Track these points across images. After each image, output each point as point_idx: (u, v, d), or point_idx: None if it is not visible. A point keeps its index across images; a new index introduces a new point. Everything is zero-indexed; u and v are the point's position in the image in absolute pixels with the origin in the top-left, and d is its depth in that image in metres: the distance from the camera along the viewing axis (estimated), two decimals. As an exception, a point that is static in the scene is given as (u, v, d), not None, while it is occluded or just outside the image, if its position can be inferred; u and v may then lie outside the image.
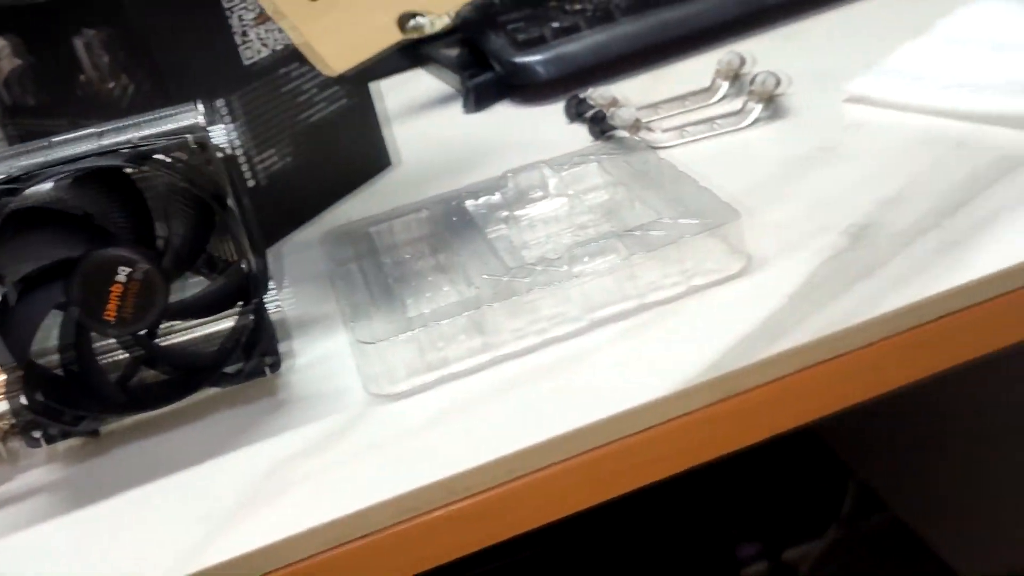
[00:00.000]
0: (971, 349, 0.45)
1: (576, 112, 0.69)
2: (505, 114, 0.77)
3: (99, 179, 0.44)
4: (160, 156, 0.43)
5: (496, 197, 0.56)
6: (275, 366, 0.46)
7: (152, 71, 0.55)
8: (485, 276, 0.47)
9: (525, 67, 0.75)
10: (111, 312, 0.42)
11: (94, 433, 0.47)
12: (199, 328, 0.48)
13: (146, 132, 0.44)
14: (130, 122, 0.45)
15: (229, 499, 0.41)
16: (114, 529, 0.41)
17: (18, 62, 0.61)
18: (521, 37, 0.76)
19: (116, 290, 0.42)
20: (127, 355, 0.46)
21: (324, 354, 0.50)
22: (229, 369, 0.46)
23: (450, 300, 0.48)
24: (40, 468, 0.46)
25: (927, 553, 1.06)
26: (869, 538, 1.12)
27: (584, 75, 0.75)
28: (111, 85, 0.56)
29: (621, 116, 0.62)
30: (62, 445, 0.46)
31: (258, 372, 0.46)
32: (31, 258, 0.43)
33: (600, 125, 0.64)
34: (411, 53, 0.93)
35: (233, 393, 0.48)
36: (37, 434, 0.44)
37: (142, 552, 0.40)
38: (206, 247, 0.45)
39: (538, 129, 0.73)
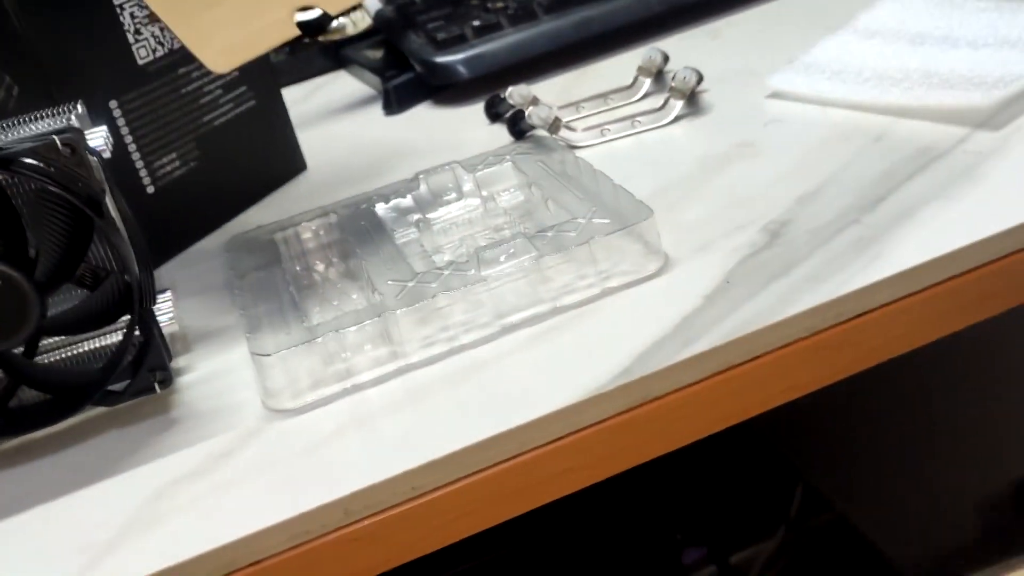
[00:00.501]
0: (892, 346, 0.44)
1: (495, 112, 0.67)
2: (425, 115, 0.75)
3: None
4: (28, 159, 0.40)
5: (407, 200, 0.54)
6: (165, 382, 0.43)
7: (35, 71, 0.52)
8: (390, 282, 0.44)
9: (445, 67, 0.73)
10: None
11: None
12: (85, 343, 0.45)
13: (18, 135, 0.41)
14: (2, 126, 0.43)
15: (112, 526, 0.38)
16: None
17: None
18: (441, 36, 0.74)
19: None
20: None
21: (222, 368, 0.47)
22: (117, 387, 0.43)
23: (357, 308, 0.46)
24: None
25: (869, 547, 1.06)
26: (817, 538, 1.11)
27: (506, 74, 0.73)
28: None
29: (539, 115, 0.60)
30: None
31: (147, 389, 0.43)
32: None
33: (518, 125, 0.62)
34: (333, 55, 0.90)
35: (123, 412, 0.45)
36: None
37: (13, 587, 0.37)
38: (84, 258, 0.42)
39: (458, 130, 0.70)
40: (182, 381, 0.46)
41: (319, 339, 0.42)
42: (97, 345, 0.45)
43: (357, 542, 0.38)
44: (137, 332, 0.42)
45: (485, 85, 0.73)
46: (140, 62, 0.55)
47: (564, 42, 0.74)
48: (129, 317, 0.43)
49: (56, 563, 0.37)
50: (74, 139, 0.40)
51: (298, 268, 0.51)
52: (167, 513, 0.38)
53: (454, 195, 0.54)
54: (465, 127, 0.71)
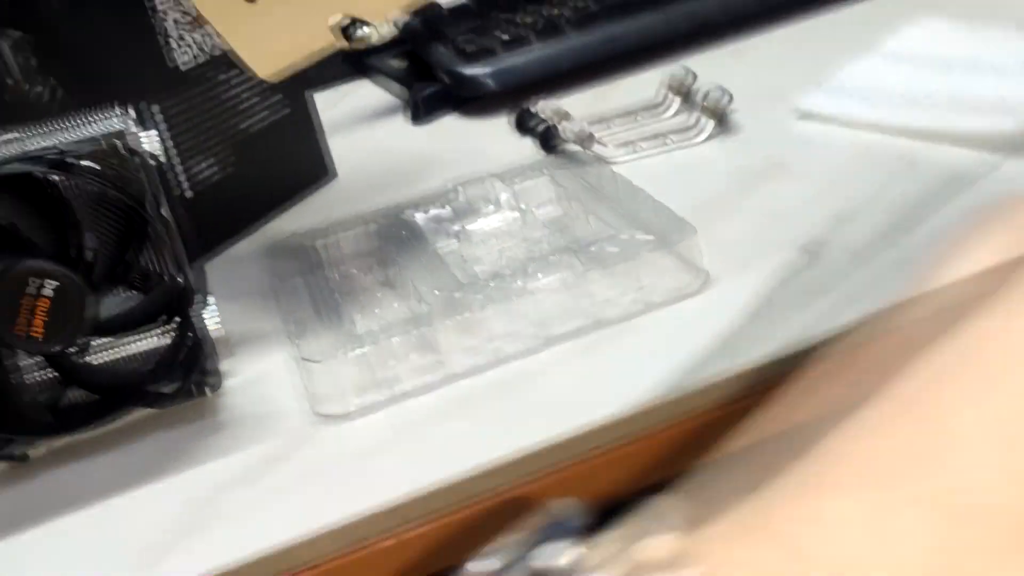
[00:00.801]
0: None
1: (525, 125, 0.68)
2: (450, 126, 0.76)
3: (19, 186, 0.41)
4: (87, 162, 0.40)
5: (445, 210, 0.54)
6: (214, 386, 0.44)
7: (78, 74, 0.52)
8: (436, 292, 0.45)
9: (472, 79, 0.74)
10: (21, 327, 0.39)
11: (23, 458, 0.43)
12: (133, 345, 0.46)
13: (71, 137, 0.42)
14: (53, 127, 0.43)
15: (163, 528, 0.39)
16: (34, 564, 0.39)
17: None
18: (469, 48, 0.75)
19: (27, 304, 0.39)
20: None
21: (264, 373, 0.47)
22: (165, 389, 0.43)
23: (400, 316, 0.46)
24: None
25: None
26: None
27: (531, 88, 0.74)
28: (36, 89, 0.54)
29: (572, 130, 0.61)
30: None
31: (195, 392, 0.44)
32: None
33: (550, 139, 0.63)
34: (355, 63, 0.91)
35: (169, 414, 0.45)
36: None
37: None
38: (138, 259, 0.43)
39: (484, 142, 0.71)
40: (225, 385, 0.47)
41: (368, 347, 0.43)
42: (141, 348, 0.46)
43: (409, 549, 0.38)
44: (189, 334, 0.43)
45: (508, 98, 0.74)
46: (182, 68, 0.56)
47: (590, 58, 0.75)
48: (179, 319, 0.43)
49: (111, 564, 0.37)
50: (131, 142, 0.41)
51: (338, 275, 0.52)
52: (220, 516, 0.39)
53: (491, 207, 0.55)
54: (491, 139, 0.71)
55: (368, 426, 0.42)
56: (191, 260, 0.43)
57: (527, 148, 0.66)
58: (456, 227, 0.53)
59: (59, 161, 0.40)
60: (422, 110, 0.76)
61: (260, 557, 0.37)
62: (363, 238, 0.54)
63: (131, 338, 0.44)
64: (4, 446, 0.41)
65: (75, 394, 0.44)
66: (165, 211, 0.42)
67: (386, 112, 0.82)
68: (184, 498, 0.40)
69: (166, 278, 0.42)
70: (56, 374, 0.43)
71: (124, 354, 0.45)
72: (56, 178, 0.40)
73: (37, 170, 0.40)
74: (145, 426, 0.45)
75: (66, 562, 0.38)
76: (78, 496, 0.41)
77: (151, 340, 0.45)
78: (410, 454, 0.40)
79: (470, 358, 0.44)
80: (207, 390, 0.44)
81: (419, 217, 0.54)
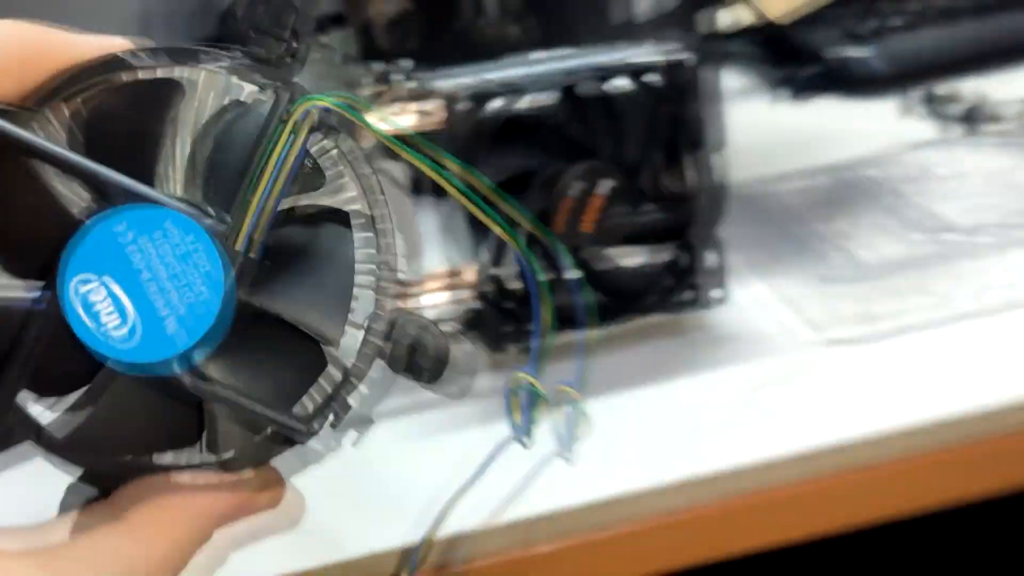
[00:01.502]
0: None
1: (937, 108, 0.68)
2: (828, 108, 0.77)
3: (581, 94, 0.44)
4: (654, 77, 0.43)
5: (899, 168, 0.55)
6: (723, 299, 0.46)
7: (542, 15, 0.56)
8: (947, 235, 0.46)
9: (861, 62, 0.75)
10: (587, 224, 0.42)
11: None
12: (632, 255, 0.48)
13: (629, 55, 0.45)
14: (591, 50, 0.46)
15: (704, 419, 0.41)
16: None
17: (400, 5, 0.63)
18: (852, 31, 0.76)
19: (595, 203, 0.42)
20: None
21: (751, 298, 0.49)
22: (676, 298, 0.46)
23: (897, 255, 0.47)
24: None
25: None
26: None
27: (920, 74, 0.74)
28: (496, 29, 0.58)
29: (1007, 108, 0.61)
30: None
31: (701, 303, 0.45)
32: (508, 164, 0.43)
33: (975, 117, 0.63)
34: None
35: (662, 325, 0.48)
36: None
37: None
38: (677, 174, 0.45)
39: (868, 123, 0.71)
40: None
41: (881, 278, 0.44)
42: (654, 260, 0.48)
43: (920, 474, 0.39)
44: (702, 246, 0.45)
45: (893, 83, 0.74)
46: (633, 20, 0.59)
47: (986, 47, 0.74)
48: (696, 237, 0.45)
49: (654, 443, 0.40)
50: (688, 60, 0.44)
51: (800, 219, 0.53)
52: (749, 417, 0.41)
53: (946, 169, 0.55)
54: (874, 120, 0.72)
55: (875, 355, 0.43)
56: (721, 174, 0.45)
57: (920, 130, 0.66)
58: (913, 186, 0.54)
59: (630, 71, 0.43)
60: (797, 91, 0.77)
61: (783, 459, 0.38)
62: (817, 187, 0.55)
63: (648, 248, 0.47)
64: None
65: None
66: (708, 134, 0.44)
67: (743, 93, 0.83)
68: (720, 397, 0.42)
69: (697, 197, 0.44)
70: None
71: (637, 262, 0.47)
72: (624, 86, 0.43)
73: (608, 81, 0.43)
74: (640, 334, 0.48)
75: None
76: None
77: (661, 254, 0.47)
78: (918, 385, 0.41)
79: (974, 301, 0.45)
80: (710, 304, 0.45)
81: (872, 172, 0.55)
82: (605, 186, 0.42)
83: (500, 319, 0.44)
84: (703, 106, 0.44)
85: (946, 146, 0.56)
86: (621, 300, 0.46)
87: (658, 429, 0.41)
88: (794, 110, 0.77)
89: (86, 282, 0.22)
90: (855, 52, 0.75)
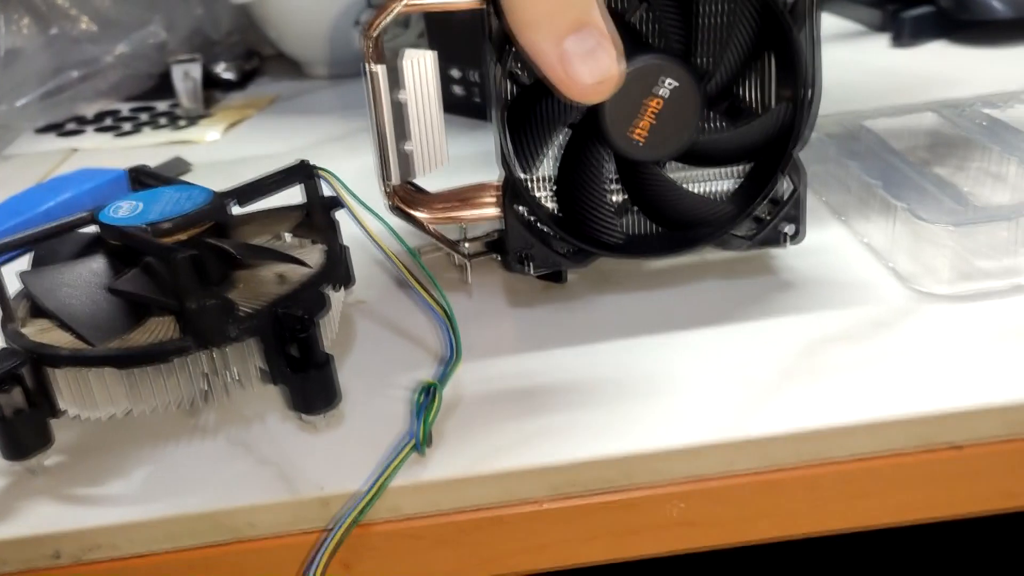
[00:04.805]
0: None
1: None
2: (944, 51, 0.68)
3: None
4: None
5: (1020, 109, 0.47)
6: (797, 236, 0.39)
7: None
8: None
9: (981, 3, 0.66)
10: (641, 131, 0.36)
11: (560, 277, 0.40)
12: (692, 178, 0.41)
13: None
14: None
15: (768, 368, 0.34)
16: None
17: None
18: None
19: (653, 105, 0.35)
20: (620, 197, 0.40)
21: (824, 241, 0.42)
22: (742, 232, 0.39)
23: (1008, 204, 0.40)
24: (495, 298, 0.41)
25: None
26: None
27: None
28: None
29: None
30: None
31: (775, 240, 0.39)
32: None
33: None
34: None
35: (726, 264, 0.41)
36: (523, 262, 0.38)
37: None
38: (758, 85, 0.38)
39: (989, 68, 0.63)
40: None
41: (990, 229, 0.36)
42: (719, 188, 0.41)
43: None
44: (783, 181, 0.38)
45: (1013, 27, 0.65)
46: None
47: None
48: (780, 164, 0.38)
49: (721, 393, 0.33)
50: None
51: (907, 158, 0.45)
52: (824, 369, 0.33)
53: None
54: (994, 65, 0.63)
55: (979, 313, 0.36)
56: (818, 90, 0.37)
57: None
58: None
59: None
60: (908, 32, 0.69)
61: (876, 422, 0.31)
62: (921, 126, 0.47)
63: (712, 171, 0.40)
64: (565, 256, 0.38)
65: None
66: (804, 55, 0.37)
67: (851, 36, 0.75)
68: (786, 345, 0.35)
69: (781, 107, 0.37)
70: (623, 193, 0.39)
71: (702, 188, 0.40)
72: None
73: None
74: (701, 270, 0.41)
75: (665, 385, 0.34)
76: (662, 322, 0.38)
77: (726, 182, 0.40)
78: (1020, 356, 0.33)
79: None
80: (787, 241, 0.39)
81: (991, 111, 0.46)
82: (666, 87, 0.35)
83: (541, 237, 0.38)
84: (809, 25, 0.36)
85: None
86: (674, 229, 0.39)
87: (705, 384, 0.34)
88: (902, 55, 0.69)
89: None
90: (976, -9, 0.66)
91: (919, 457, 0.31)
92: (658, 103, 0.35)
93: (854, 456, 0.31)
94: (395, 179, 0.37)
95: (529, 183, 0.38)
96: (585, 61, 0.30)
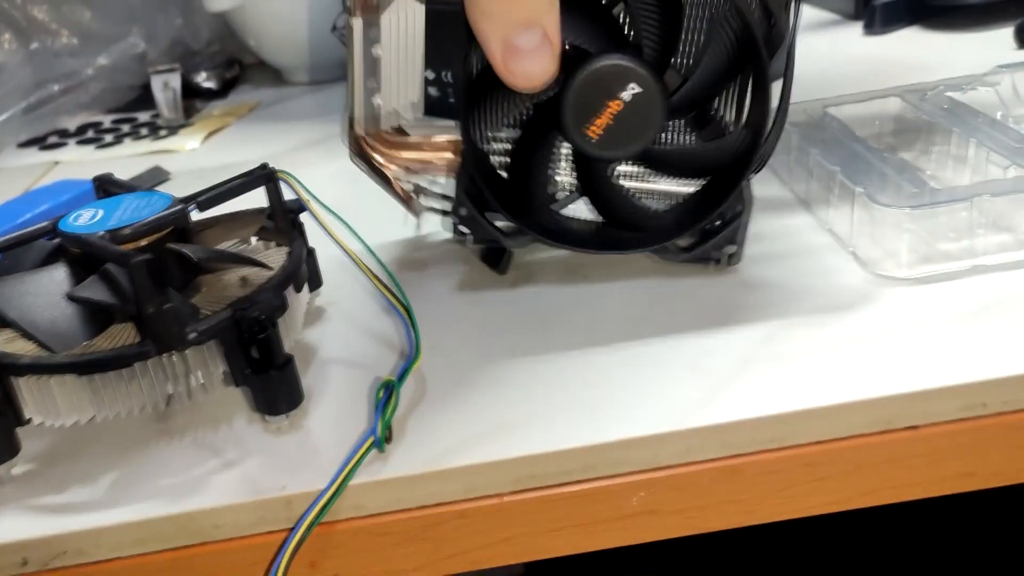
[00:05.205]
0: None
1: (1029, 35, 0.59)
2: (914, 37, 0.68)
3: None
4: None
5: (987, 92, 0.47)
6: (733, 258, 0.38)
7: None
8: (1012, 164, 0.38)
9: (954, -13, 0.66)
10: (596, 128, 0.35)
11: (498, 260, 0.41)
12: (659, 184, 0.41)
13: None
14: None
15: (728, 357, 0.34)
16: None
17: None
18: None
19: (613, 106, 0.35)
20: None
21: (784, 231, 0.42)
22: (683, 243, 0.39)
23: (964, 186, 0.40)
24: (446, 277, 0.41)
25: None
26: None
27: (1012, 4, 0.65)
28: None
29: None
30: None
31: (714, 259, 0.39)
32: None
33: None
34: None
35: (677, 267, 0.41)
36: (463, 230, 0.38)
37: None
38: (726, 99, 0.38)
39: (957, 54, 0.63)
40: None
41: (968, 201, 0.36)
42: (664, 188, 0.41)
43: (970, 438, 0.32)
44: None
45: (982, 12, 0.65)
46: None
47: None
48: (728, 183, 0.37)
49: (682, 384, 0.33)
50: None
51: (869, 145, 0.45)
52: (781, 357, 0.34)
53: (1043, 96, 0.47)
54: (964, 50, 0.63)
55: (939, 295, 0.36)
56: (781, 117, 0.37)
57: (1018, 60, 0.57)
58: (1001, 112, 0.46)
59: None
60: (879, 20, 0.69)
61: (839, 405, 0.31)
62: (886, 111, 0.47)
63: (666, 180, 0.40)
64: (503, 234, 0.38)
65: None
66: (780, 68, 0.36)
67: (824, 25, 0.75)
68: (742, 335, 0.35)
69: (742, 133, 0.37)
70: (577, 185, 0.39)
71: (660, 186, 0.41)
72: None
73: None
74: (646, 268, 0.41)
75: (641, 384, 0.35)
76: (634, 327, 0.38)
77: (677, 187, 0.40)
78: (990, 334, 0.33)
79: (1064, 241, 0.37)
80: (727, 260, 0.38)
81: (955, 95, 0.47)
82: (629, 91, 0.35)
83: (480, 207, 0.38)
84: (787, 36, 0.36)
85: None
86: (616, 226, 0.39)
87: (665, 374, 0.34)
88: (874, 42, 0.69)
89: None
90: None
91: (878, 439, 0.31)
92: (618, 105, 0.35)
93: (814, 440, 0.31)
94: (360, 129, 0.38)
95: (487, 145, 0.38)
96: (525, 57, 0.32)
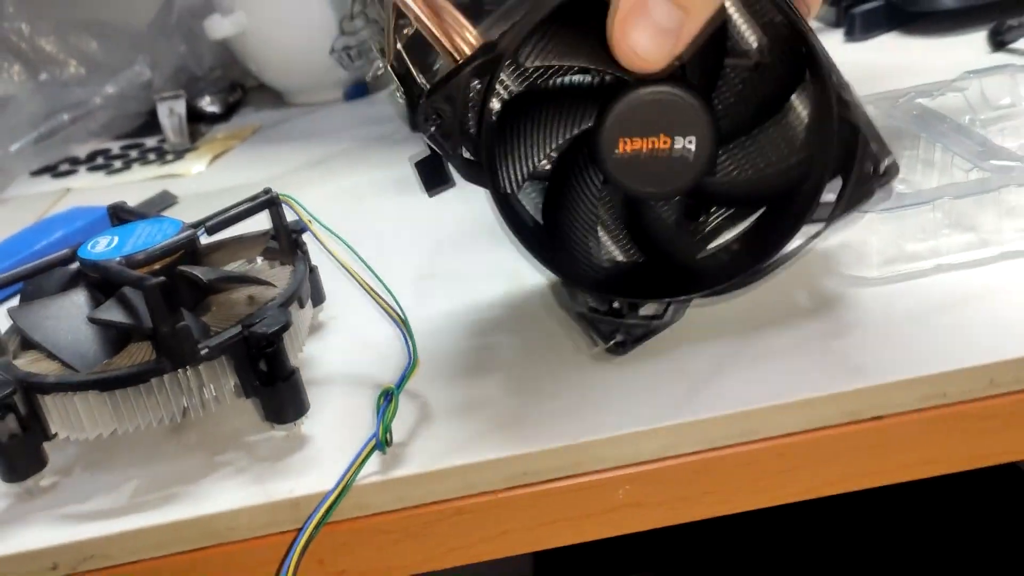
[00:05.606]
0: None
1: (1001, 40, 0.61)
2: (893, 44, 0.70)
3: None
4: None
5: (956, 98, 0.49)
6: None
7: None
8: (995, 161, 0.40)
9: (929, -6, 0.68)
10: (628, 147, 0.33)
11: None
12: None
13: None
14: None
15: (705, 358, 0.36)
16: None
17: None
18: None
19: (659, 142, 0.33)
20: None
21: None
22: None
23: (931, 188, 0.42)
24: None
25: None
26: None
27: (987, 9, 0.67)
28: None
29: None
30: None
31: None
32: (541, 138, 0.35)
33: (1048, 47, 0.56)
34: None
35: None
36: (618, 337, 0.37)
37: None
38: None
39: (943, 59, 0.65)
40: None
41: (931, 203, 0.39)
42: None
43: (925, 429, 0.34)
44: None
45: (963, 17, 0.68)
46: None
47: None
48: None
49: (661, 388, 0.35)
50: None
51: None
52: (758, 356, 0.36)
53: (1008, 99, 0.49)
54: (943, 54, 0.66)
55: (904, 294, 0.38)
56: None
57: (992, 63, 0.59)
58: (969, 116, 0.48)
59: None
60: (859, 27, 0.71)
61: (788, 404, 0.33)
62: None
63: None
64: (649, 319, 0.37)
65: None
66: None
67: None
68: (719, 339, 0.37)
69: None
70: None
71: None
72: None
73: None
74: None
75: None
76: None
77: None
78: (947, 330, 0.35)
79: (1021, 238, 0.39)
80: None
81: (925, 101, 0.49)
82: (687, 143, 0.33)
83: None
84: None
85: (1018, 74, 0.49)
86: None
87: (646, 376, 0.36)
88: (854, 49, 0.72)
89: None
90: (922, -16, 0.68)
91: (845, 430, 0.33)
92: (665, 144, 0.33)
93: (784, 432, 0.33)
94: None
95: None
96: (649, 29, 0.31)
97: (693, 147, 0.33)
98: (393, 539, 0.34)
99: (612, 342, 0.36)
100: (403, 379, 0.35)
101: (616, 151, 0.34)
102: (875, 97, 0.50)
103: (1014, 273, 0.38)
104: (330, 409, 0.37)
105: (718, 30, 0.34)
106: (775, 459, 0.33)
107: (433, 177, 0.37)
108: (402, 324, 0.37)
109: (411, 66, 0.38)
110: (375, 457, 0.33)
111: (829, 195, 0.36)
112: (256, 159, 0.75)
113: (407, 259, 0.48)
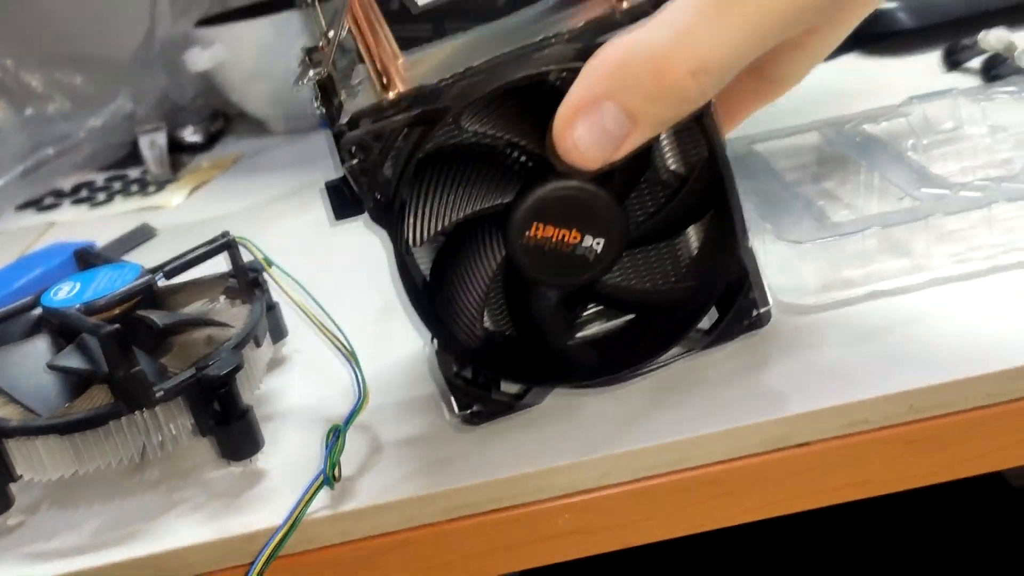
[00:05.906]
0: None
1: (956, 60, 0.63)
2: (853, 65, 0.72)
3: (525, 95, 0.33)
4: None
5: (900, 123, 0.50)
6: (756, 324, 0.38)
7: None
8: (926, 189, 0.42)
9: (887, 15, 0.69)
10: (537, 234, 0.34)
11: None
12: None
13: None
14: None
15: (639, 393, 0.37)
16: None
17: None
18: (879, -16, 0.70)
19: (568, 235, 0.34)
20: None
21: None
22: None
23: (867, 215, 0.43)
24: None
25: None
26: None
27: (948, 27, 0.68)
28: None
29: (1029, 57, 0.55)
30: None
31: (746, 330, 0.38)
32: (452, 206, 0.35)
33: (996, 68, 0.57)
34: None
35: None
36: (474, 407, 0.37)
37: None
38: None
39: (898, 78, 0.67)
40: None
41: (861, 232, 0.40)
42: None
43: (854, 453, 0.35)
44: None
45: (920, 36, 0.69)
46: None
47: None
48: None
49: (597, 420, 0.37)
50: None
51: (787, 179, 0.49)
52: (692, 386, 0.37)
53: (951, 123, 0.50)
54: (902, 74, 0.67)
55: (837, 321, 0.40)
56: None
57: (946, 83, 0.61)
58: (912, 141, 0.49)
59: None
60: (821, 47, 0.72)
61: (748, 425, 0.35)
62: (808, 145, 0.51)
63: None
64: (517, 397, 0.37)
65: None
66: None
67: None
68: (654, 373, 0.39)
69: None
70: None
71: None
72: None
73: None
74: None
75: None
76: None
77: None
78: (878, 355, 0.37)
79: (958, 264, 0.41)
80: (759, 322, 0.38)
81: (869, 127, 0.50)
82: (594, 244, 0.34)
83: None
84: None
85: (960, 98, 0.50)
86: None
87: (583, 409, 0.38)
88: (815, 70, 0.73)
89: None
90: (884, 4, 0.70)
91: (773, 456, 0.35)
92: (574, 238, 0.34)
93: (715, 460, 0.35)
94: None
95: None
96: (596, 130, 0.31)
97: (599, 249, 0.34)
98: (342, 571, 0.35)
99: (468, 411, 0.37)
100: (351, 415, 0.37)
101: (527, 233, 0.34)
102: (823, 123, 0.52)
103: (941, 299, 0.39)
104: (287, 444, 0.39)
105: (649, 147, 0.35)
106: (707, 486, 0.35)
107: (344, 205, 0.36)
108: (351, 358, 0.38)
109: (333, 76, 0.39)
110: (325, 491, 0.35)
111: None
112: (235, 189, 0.77)
113: (373, 291, 0.50)
